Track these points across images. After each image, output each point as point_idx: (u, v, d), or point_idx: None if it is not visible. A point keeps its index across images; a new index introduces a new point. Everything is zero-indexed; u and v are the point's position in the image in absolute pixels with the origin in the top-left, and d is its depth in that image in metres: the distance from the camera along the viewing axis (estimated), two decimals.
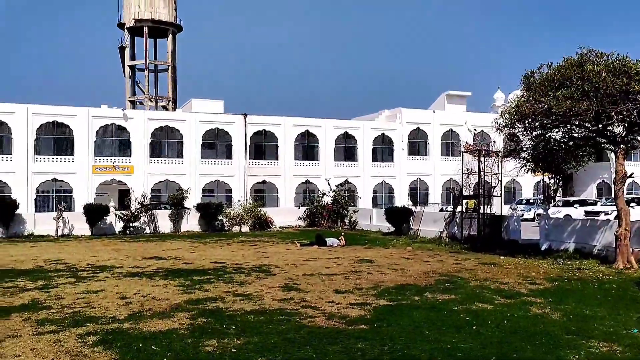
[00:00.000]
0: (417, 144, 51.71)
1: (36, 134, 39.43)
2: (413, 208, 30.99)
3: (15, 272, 16.34)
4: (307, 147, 47.96)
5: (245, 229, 34.26)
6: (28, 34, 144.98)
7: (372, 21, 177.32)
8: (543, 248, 21.27)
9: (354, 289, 13.48)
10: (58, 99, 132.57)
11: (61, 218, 31.07)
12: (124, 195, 39.07)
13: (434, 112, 52.47)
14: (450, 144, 52.41)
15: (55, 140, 40.88)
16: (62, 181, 40.11)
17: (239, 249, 23.40)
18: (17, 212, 31.06)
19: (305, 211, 37.27)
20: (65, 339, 8.91)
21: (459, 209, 26.27)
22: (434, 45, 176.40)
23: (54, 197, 39.84)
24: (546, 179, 47.87)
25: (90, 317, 10.49)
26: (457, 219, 25.94)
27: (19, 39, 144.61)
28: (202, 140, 43.75)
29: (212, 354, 8.19)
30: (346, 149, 49.32)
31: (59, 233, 30.62)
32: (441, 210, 36.04)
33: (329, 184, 38.46)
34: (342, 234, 27.02)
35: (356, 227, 34.50)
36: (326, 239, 24.51)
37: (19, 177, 38.44)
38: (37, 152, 39.77)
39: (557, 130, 18.79)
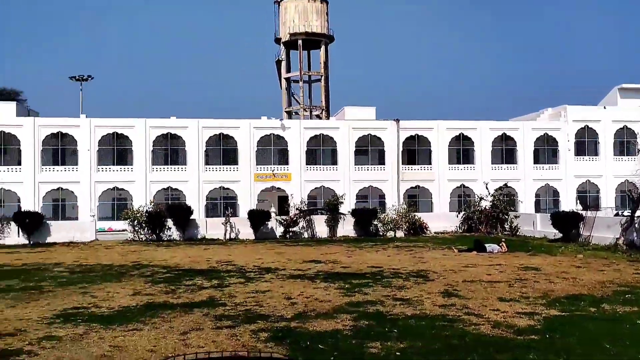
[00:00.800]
0: (586, 143, 47.76)
1: (206, 146, 42.98)
2: (582, 213, 28.67)
3: (193, 272, 17.92)
4: (461, 151, 46.66)
5: (399, 234, 34.20)
6: (204, 59, 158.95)
7: (527, 15, 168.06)
8: None
9: (520, 297, 12.81)
10: (223, 112, 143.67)
11: (228, 223, 33.49)
12: (283, 201, 41.05)
13: (604, 108, 48.18)
14: (625, 143, 47.74)
15: (222, 151, 44.22)
16: (228, 189, 43.22)
17: (395, 254, 23.40)
18: (192, 217, 34.11)
19: (461, 216, 36.24)
20: (240, 333, 9.57)
21: (638, 213, 23.81)
22: (597, 37, 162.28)
23: (221, 204, 43.04)
24: None
25: (261, 315, 11.15)
26: (637, 224, 23.52)
27: (188, 62, 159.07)
28: (355, 146, 44.53)
29: (376, 356, 8.27)
30: (504, 151, 47.13)
31: (227, 237, 33.00)
32: (616, 215, 32.88)
33: (486, 188, 36.99)
34: (503, 240, 25.82)
35: (517, 233, 32.76)
36: (486, 245, 23.59)
37: (191, 186, 42.14)
38: (207, 163, 43.32)
39: None
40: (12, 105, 43.00)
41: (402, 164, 45.14)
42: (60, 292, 14.29)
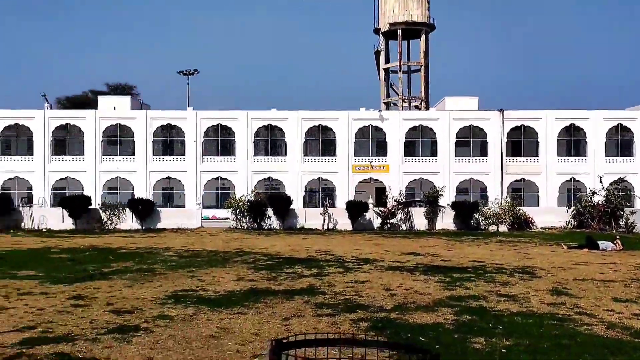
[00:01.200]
0: None
1: (305, 137, 43.68)
2: None
3: (293, 260, 18.30)
4: (572, 142, 44.11)
5: (502, 228, 32.97)
6: (306, 52, 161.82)
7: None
8: None
9: (637, 298, 11.92)
10: (322, 104, 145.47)
11: (327, 213, 33.89)
12: (381, 193, 40.89)
13: None
14: None
15: (320, 142, 44.74)
16: (326, 179, 43.70)
17: (498, 249, 22.59)
18: (291, 207, 34.87)
19: (571, 211, 34.29)
20: (340, 322, 9.63)
21: None
22: None
23: (319, 194, 43.64)
24: None
25: (360, 304, 11.17)
26: None
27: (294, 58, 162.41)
28: (456, 138, 43.40)
29: (480, 352, 8.01)
30: (620, 142, 43.98)
31: (325, 227, 33.41)
32: None
33: (600, 182, 34.73)
34: (618, 237, 24.15)
35: (634, 230, 30.52)
36: (598, 242, 22.16)
37: (291, 176, 43.05)
38: (306, 154, 44.02)
39: None
40: (127, 99, 46.07)
41: (506, 155, 43.42)
42: (171, 274, 15.12)
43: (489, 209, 34.17)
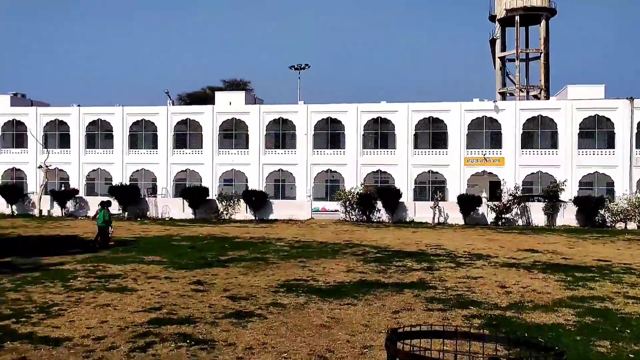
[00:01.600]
0: None
1: (415, 129, 43.00)
2: None
3: (403, 254, 18.13)
4: None
5: (631, 225, 30.53)
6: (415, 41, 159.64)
7: None
8: None
9: None
10: (433, 96, 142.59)
11: (437, 207, 33.20)
12: (495, 186, 39.31)
13: None
14: None
15: (431, 134, 43.83)
16: (437, 173, 42.75)
17: (626, 248, 20.96)
18: (400, 200, 34.54)
19: None
20: (452, 317, 9.40)
21: None
22: None
23: (429, 188, 42.81)
24: None
25: (473, 301, 10.83)
26: None
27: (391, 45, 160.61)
28: (579, 129, 40.67)
29: (605, 356, 7.47)
30: None
31: (435, 221, 32.76)
32: None
33: None
34: None
35: None
36: None
37: (400, 169, 42.60)
38: (415, 146, 43.33)
39: None
40: (241, 95, 47.93)
41: (636, 147, 40.03)
42: (283, 264, 15.56)
43: (616, 205, 31.75)
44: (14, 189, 39.04)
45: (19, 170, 45.92)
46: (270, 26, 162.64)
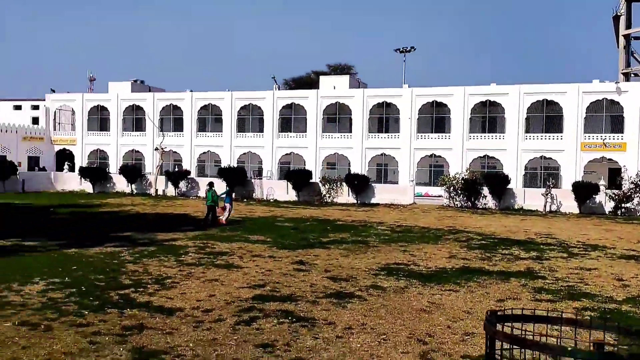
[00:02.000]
0: None
1: (527, 113, 40.94)
2: None
3: (509, 242, 17.42)
4: None
5: None
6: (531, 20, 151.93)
7: None
8: None
9: None
10: (547, 77, 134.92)
11: (549, 194, 31.53)
12: (615, 174, 36.64)
13: None
14: None
15: (544, 118, 41.55)
16: (550, 158, 40.51)
17: None
18: (508, 186, 33.15)
19: None
20: (562, 308, 8.88)
21: None
22: None
23: (541, 174, 40.70)
24: None
25: (586, 293, 10.19)
26: None
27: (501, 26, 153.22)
28: None
29: None
30: None
31: (547, 209, 31.15)
32: None
33: None
34: None
35: None
36: None
37: (509, 155, 40.81)
38: (527, 131, 41.27)
39: None
40: (345, 79, 48.05)
41: None
42: (384, 248, 15.50)
43: None
44: (133, 170, 41.93)
45: (137, 152, 49.21)
46: (375, 9, 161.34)
